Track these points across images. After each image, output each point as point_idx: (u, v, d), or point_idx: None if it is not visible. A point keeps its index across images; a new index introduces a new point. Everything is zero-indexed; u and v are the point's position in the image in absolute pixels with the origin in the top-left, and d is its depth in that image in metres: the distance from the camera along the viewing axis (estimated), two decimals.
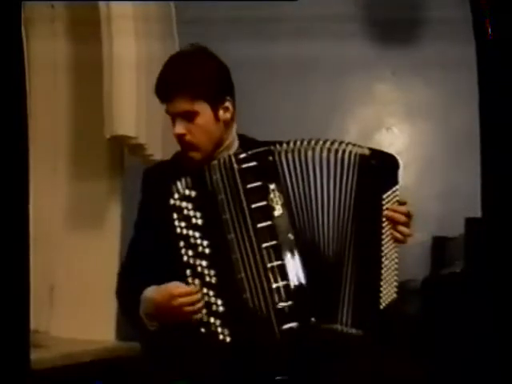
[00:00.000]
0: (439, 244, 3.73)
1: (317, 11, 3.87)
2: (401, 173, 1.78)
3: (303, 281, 1.68)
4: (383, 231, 1.74)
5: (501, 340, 1.79)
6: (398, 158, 1.80)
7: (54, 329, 3.02)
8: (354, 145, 1.75)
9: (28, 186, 1.72)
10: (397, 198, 1.77)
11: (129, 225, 1.97)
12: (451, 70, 3.79)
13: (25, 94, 1.72)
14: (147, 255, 1.82)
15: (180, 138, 1.84)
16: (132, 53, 2.78)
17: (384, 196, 1.75)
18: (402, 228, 1.76)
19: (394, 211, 1.76)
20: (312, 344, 1.69)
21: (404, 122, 4.05)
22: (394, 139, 4.03)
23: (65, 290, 3.05)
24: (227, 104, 1.87)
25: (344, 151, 1.72)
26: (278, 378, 1.67)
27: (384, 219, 1.74)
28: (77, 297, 3.01)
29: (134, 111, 2.74)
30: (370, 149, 1.76)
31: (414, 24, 3.93)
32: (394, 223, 1.75)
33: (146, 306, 1.75)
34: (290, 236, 1.70)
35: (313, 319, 1.67)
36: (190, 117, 1.82)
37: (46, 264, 3.00)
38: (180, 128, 1.82)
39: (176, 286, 1.68)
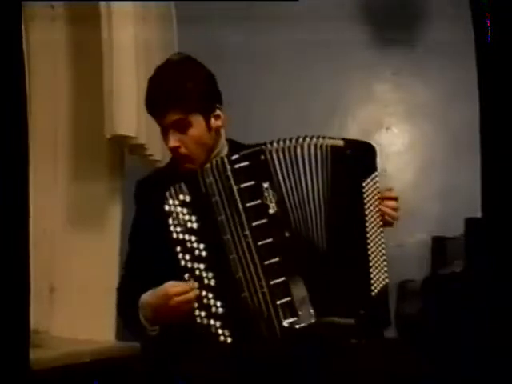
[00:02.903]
0: (439, 244, 3.72)
1: (316, 11, 3.87)
2: (379, 160, 1.81)
3: (300, 276, 1.69)
4: (367, 218, 1.78)
5: (500, 339, 1.79)
6: (373, 144, 1.83)
7: (54, 329, 3.01)
8: (331, 138, 1.78)
9: (28, 186, 1.72)
10: (377, 185, 1.81)
11: (129, 225, 1.96)
12: (451, 70, 3.79)
13: (24, 94, 1.72)
14: (145, 265, 1.82)
15: (174, 150, 1.84)
16: (132, 53, 2.78)
17: (364, 184, 1.79)
18: (390, 212, 1.81)
19: (384, 198, 1.81)
20: (313, 339, 1.69)
21: (404, 122, 4.06)
22: (393, 139, 4.03)
23: (65, 290, 3.04)
24: (218, 112, 1.87)
25: (321, 145, 1.76)
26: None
27: (366, 206, 1.78)
28: (77, 297, 3.00)
29: (134, 111, 2.73)
30: (344, 139, 1.80)
31: (414, 24, 3.94)
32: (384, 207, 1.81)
33: (144, 311, 1.75)
34: (286, 233, 1.71)
35: (312, 312, 1.68)
36: (183, 128, 1.81)
37: (46, 264, 3.00)
38: (174, 141, 1.82)
39: (172, 286, 1.68)
